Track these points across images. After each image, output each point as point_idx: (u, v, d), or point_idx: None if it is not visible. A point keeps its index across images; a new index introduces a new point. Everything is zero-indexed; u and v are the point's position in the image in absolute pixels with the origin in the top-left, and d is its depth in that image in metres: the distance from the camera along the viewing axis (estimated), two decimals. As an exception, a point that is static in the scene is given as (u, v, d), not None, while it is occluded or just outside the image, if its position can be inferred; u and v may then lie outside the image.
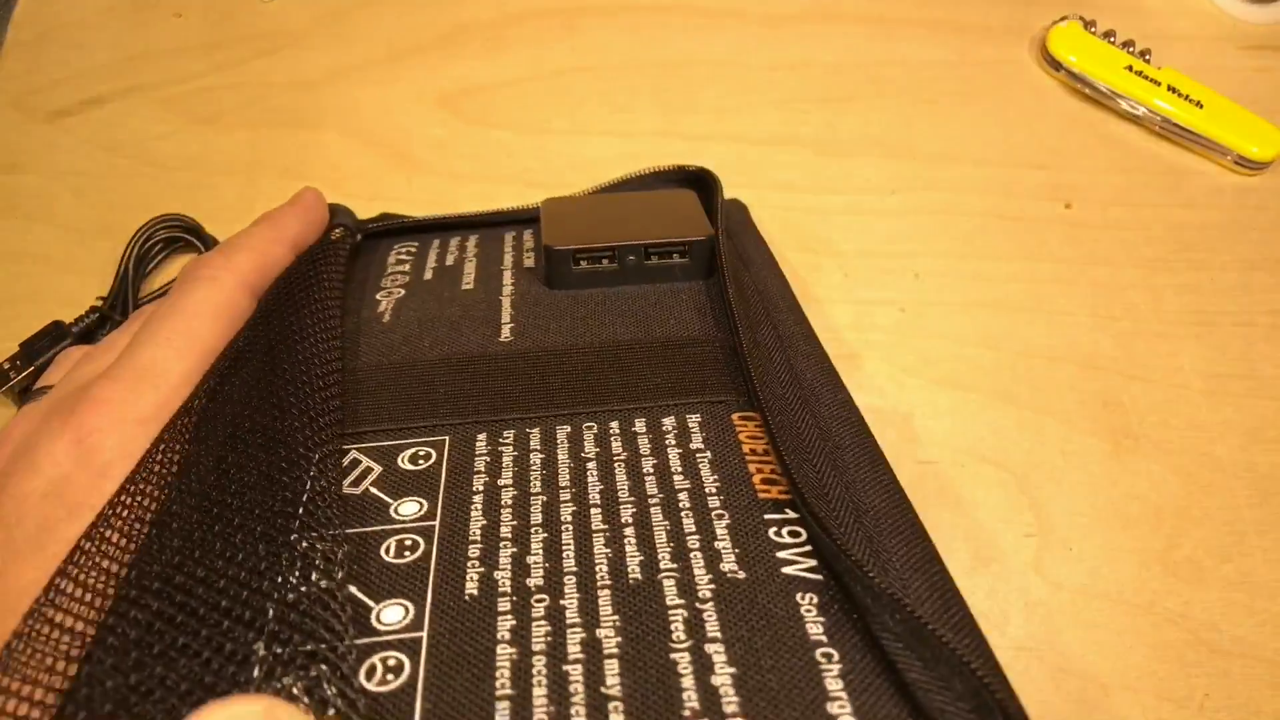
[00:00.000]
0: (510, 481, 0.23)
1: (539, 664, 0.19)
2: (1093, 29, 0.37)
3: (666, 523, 0.22)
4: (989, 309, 0.32)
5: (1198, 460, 0.29)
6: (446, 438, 0.25)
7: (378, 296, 0.30)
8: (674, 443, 0.24)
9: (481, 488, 0.23)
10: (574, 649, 0.19)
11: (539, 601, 0.20)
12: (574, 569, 0.21)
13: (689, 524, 0.22)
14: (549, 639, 0.19)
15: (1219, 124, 0.34)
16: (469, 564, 0.21)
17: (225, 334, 0.25)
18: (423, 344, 0.28)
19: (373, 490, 0.23)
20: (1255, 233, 0.34)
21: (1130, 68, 0.36)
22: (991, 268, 0.33)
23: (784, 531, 0.22)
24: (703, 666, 0.19)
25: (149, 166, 0.38)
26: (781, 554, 0.22)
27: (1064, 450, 0.29)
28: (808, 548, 0.22)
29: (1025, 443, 0.29)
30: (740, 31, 0.40)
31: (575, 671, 0.19)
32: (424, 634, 0.20)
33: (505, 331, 0.28)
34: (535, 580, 0.21)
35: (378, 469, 0.23)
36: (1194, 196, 0.35)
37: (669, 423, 0.25)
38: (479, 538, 0.22)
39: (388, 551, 0.21)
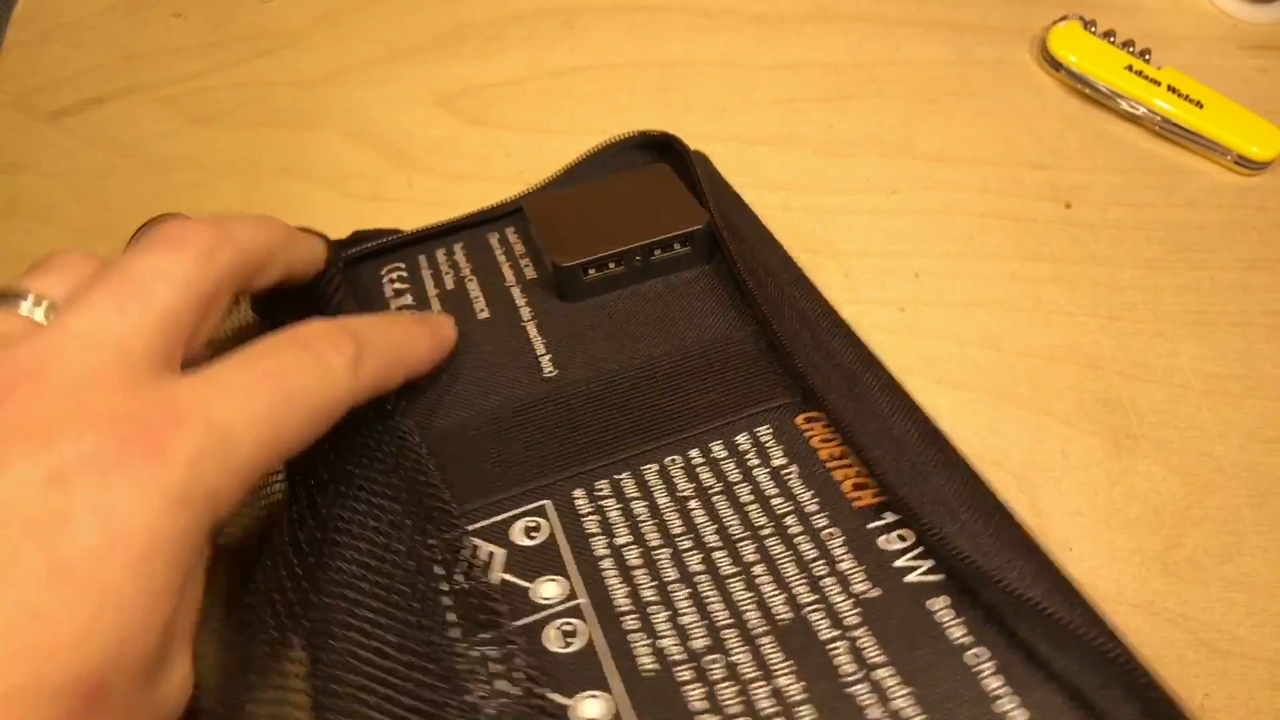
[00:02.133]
0: (629, 539, 0.23)
1: None
2: (1093, 29, 0.37)
3: (789, 552, 0.23)
4: (989, 309, 0.32)
5: (1198, 460, 0.29)
6: (545, 502, 0.24)
7: None
8: (758, 462, 0.25)
9: (606, 551, 0.23)
10: (766, 704, 0.20)
11: (713, 663, 0.21)
12: (729, 621, 0.22)
13: (808, 550, 0.23)
14: (741, 699, 0.20)
15: (1219, 124, 0.34)
16: (632, 638, 0.21)
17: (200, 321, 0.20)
18: (472, 398, 0.27)
19: (507, 577, 0.23)
20: (1255, 233, 0.34)
21: (1130, 68, 0.36)
22: (991, 268, 0.33)
23: (893, 537, 0.23)
24: (881, 694, 0.20)
25: (149, 166, 0.38)
26: (898, 563, 0.22)
27: (1064, 450, 0.29)
28: (918, 550, 0.22)
29: (1025, 443, 0.29)
30: (740, 31, 0.40)
31: None
32: None
33: (546, 364, 0.28)
34: (699, 641, 0.21)
35: (501, 551, 0.23)
36: (1194, 196, 0.35)
37: (743, 441, 0.25)
38: (629, 608, 0.22)
39: (551, 641, 0.21)
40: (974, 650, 0.21)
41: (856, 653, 0.21)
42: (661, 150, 0.35)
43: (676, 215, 0.31)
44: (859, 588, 0.22)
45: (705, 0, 0.40)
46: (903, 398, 0.27)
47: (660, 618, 0.22)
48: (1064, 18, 0.37)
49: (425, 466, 0.23)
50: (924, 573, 0.22)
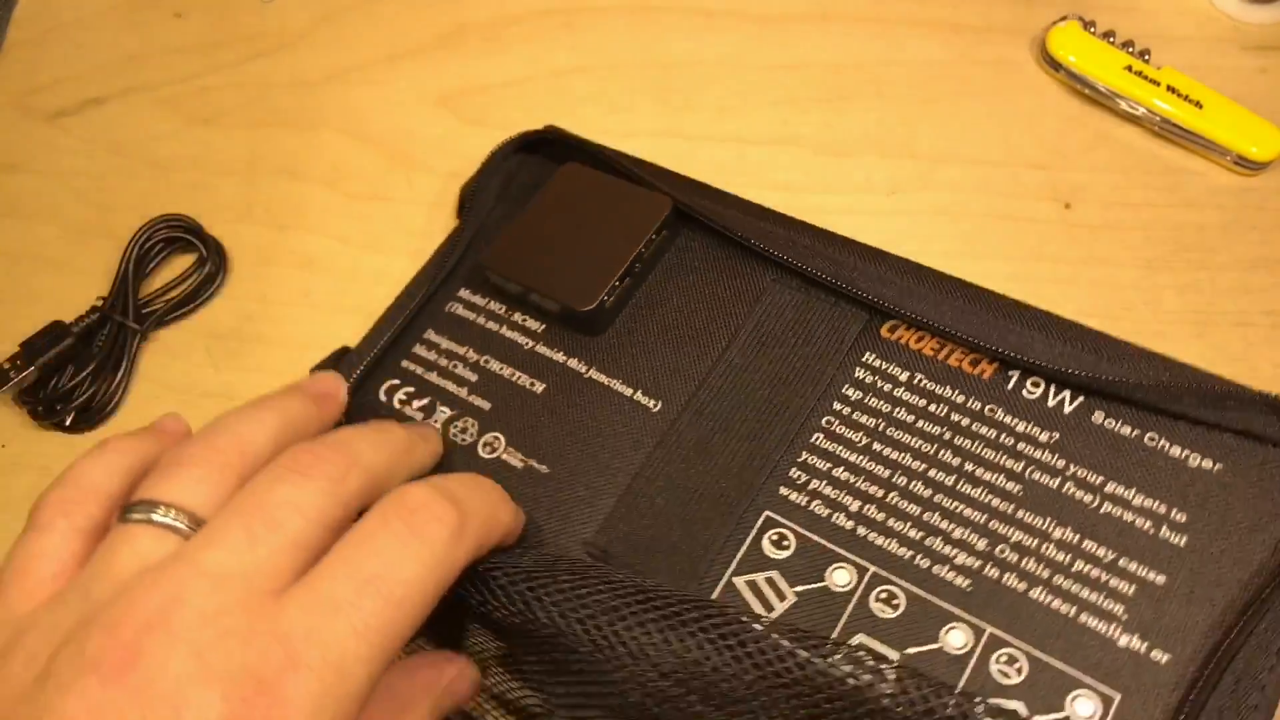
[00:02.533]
0: (859, 501, 0.26)
1: (1059, 580, 0.24)
2: (1092, 29, 0.37)
3: (975, 441, 0.26)
4: (989, 309, 0.32)
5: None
6: (766, 513, 0.26)
7: (485, 454, 0.29)
8: (889, 386, 0.27)
9: (851, 522, 0.26)
10: (1061, 555, 0.24)
11: (1003, 552, 0.25)
12: (983, 517, 0.25)
13: (986, 431, 0.26)
14: (1042, 564, 0.24)
15: (1218, 124, 0.34)
16: (935, 571, 0.25)
17: (418, 624, 0.20)
18: (614, 473, 0.28)
19: (798, 589, 0.25)
20: (1255, 233, 0.34)
21: (1130, 68, 0.36)
22: (991, 268, 0.33)
23: (1028, 386, 0.27)
24: (1123, 503, 0.25)
25: (149, 166, 0.38)
26: (1049, 404, 0.26)
27: (1064, 450, 0.29)
28: (1050, 387, 0.27)
29: (1025, 443, 0.29)
30: (740, 31, 0.40)
31: (1082, 565, 0.24)
32: (991, 629, 0.24)
33: (645, 401, 0.29)
34: (980, 543, 0.25)
35: (774, 573, 0.25)
36: (1194, 196, 0.35)
37: (863, 374, 0.28)
38: (910, 553, 0.25)
39: (883, 612, 0.24)
40: (1146, 436, 0.25)
41: (1082, 483, 0.25)
42: (539, 146, 0.35)
43: (639, 208, 0.31)
44: (1043, 437, 0.26)
45: (705, 0, 0.40)
46: (927, 271, 0.29)
47: (938, 544, 0.25)
48: (1063, 18, 0.37)
49: (620, 578, 0.23)
50: (1069, 401, 0.26)
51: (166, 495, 0.20)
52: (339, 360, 0.31)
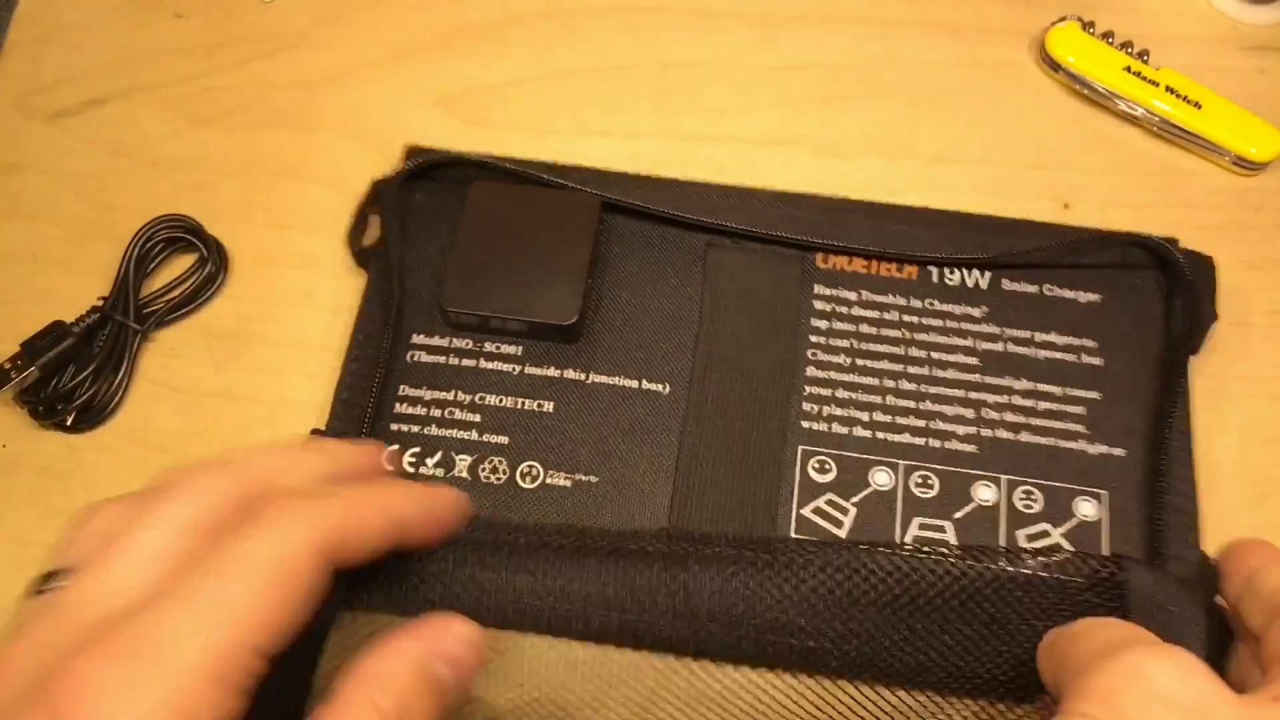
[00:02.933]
0: (867, 414, 0.29)
1: (1033, 421, 0.29)
2: (1091, 30, 0.37)
3: (936, 336, 0.30)
4: (988, 309, 0.32)
5: (1198, 460, 0.29)
6: (799, 447, 0.29)
7: (528, 485, 0.29)
8: (846, 309, 0.31)
9: (868, 432, 0.29)
10: (1026, 400, 0.29)
11: (985, 414, 0.29)
12: (961, 393, 0.30)
13: (933, 321, 0.31)
14: (1018, 412, 0.29)
15: (1217, 124, 0.34)
16: (946, 445, 0.29)
17: (284, 608, 0.18)
18: (658, 462, 0.29)
19: (853, 499, 0.28)
20: (1255, 233, 0.34)
21: (1128, 68, 0.36)
22: (991, 268, 0.33)
23: (947, 275, 0.31)
24: (1051, 345, 0.30)
25: (149, 166, 0.38)
26: (969, 285, 0.31)
27: (1063, 450, 0.29)
28: (964, 271, 0.31)
29: (1025, 442, 0.29)
30: (740, 32, 0.40)
31: (1044, 404, 0.29)
32: (1005, 477, 0.28)
33: (653, 387, 0.30)
34: (968, 413, 0.29)
35: (831, 495, 0.28)
36: (1193, 196, 0.35)
37: (823, 304, 0.31)
38: (921, 440, 0.29)
39: (919, 492, 0.28)
40: (1044, 289, 0.31)
41: (1017, 340, 0.30)
42: (430, 170, 0.34)
43: (571, 211, 0.31)
44: (976, 313, 0.31)
45: (705, 1, 0.41)
46: (830, 201, 0.33)
47: (939, 424, 0.29)
48: (1063, 19, 0.37)
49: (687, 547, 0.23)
50: (982, 279, 0.31)
51: (69, 563, 0.19)
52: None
